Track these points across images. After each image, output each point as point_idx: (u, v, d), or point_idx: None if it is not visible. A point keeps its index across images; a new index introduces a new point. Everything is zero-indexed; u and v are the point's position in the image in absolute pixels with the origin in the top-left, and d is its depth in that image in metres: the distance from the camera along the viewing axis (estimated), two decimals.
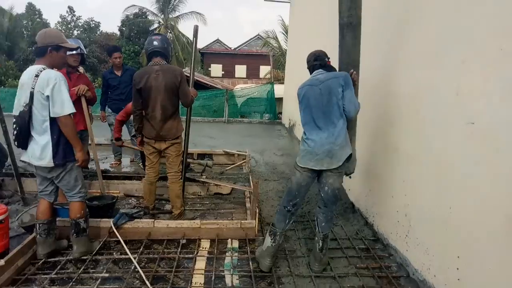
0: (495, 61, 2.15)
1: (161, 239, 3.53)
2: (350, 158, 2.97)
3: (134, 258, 3.10)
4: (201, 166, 5.64)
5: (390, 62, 3.60)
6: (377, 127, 3.82)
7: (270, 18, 73.57)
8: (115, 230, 3.36)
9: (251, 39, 34.30)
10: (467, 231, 2.33)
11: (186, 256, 3.28)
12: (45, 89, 2.72)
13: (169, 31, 27.31)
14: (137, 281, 2.87)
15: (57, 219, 3.34)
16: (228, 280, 2.95)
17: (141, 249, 3.33)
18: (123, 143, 5.05)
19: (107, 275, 2.91)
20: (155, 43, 3.65)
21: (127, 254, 3.16)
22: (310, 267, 3.12)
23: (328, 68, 3.11)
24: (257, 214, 3.69)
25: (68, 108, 2.79)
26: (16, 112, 2.82)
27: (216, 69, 32.56)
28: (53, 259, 3.11)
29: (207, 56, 32.81)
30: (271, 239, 3.07)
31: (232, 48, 34.24)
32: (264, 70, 29.16)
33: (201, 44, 32.52)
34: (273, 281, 2.93)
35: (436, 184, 2.70)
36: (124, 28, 26.57)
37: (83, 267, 2.99)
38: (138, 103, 3.68)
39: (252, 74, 31.02)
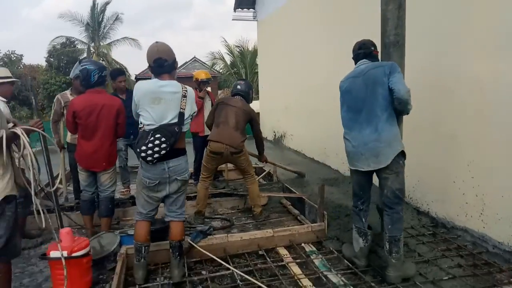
0: None
1: (237, 253, 3.43)
2: (404, 155, 2.79)
3: (229, 273, 2.99)
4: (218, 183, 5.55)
5: (446, 48, 3.66)
6: (422, 118, 3.88)
7: (196, 42, 74.88)
8: (201, 249, 3.18)
9: (187, 62, 34.07)
10: None
11: (278, 264, 3.21)
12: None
13: (101, 58, 25.97)
14: None
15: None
16: (334, 278, 2.95)
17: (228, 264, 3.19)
18: None
19: None
20: (239, 87, 4.43)
21: (217, 272, 3.06)
22: (385, 273, 2.81)
23: (373, 57, 2.95)
24: (325, 216, 3.73)
25: None
26: (156, 123, 2.67)
27: None
28: (145, 284, 2.88)
29: None
30: (363, 240, 3.02)
31: None
32: None
33: (136, 70, 31.61)
34: (376, 273, 2.98)
35: None
36: (52, 59, 24.93)
37: None
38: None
39: None
